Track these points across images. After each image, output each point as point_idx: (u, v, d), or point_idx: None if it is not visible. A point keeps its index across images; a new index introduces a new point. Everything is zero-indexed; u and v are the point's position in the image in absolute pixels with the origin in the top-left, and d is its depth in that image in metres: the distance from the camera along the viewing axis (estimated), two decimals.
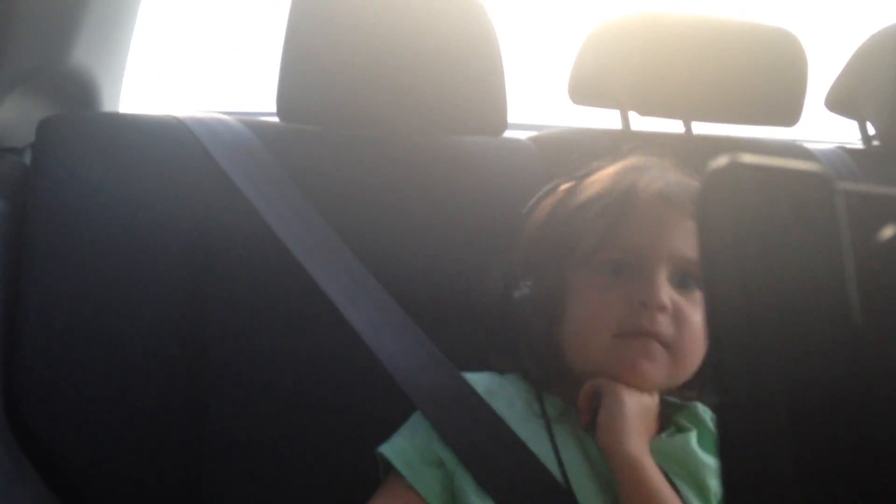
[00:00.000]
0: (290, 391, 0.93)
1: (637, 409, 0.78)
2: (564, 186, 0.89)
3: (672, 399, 0.85)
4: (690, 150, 1.23)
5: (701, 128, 1.34)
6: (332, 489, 0.91)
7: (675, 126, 1.34)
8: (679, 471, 0.79)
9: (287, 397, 0.93)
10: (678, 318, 0.79)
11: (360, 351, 0.86)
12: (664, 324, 0.78)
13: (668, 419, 0.85)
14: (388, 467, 0.80)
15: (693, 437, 0.82)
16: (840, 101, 1.55)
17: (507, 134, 1.13)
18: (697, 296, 0.81)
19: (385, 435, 0.82)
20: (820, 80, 1.47)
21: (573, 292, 0.83)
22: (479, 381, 0.84)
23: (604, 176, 0.87)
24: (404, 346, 0.87)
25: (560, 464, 0.77)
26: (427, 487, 0.78)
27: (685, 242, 0.81)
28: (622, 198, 0.83)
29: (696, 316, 0.80)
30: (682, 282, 0.81)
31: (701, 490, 0.78)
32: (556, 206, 0.88)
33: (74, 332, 0.89)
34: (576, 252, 0.83)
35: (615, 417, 0.76)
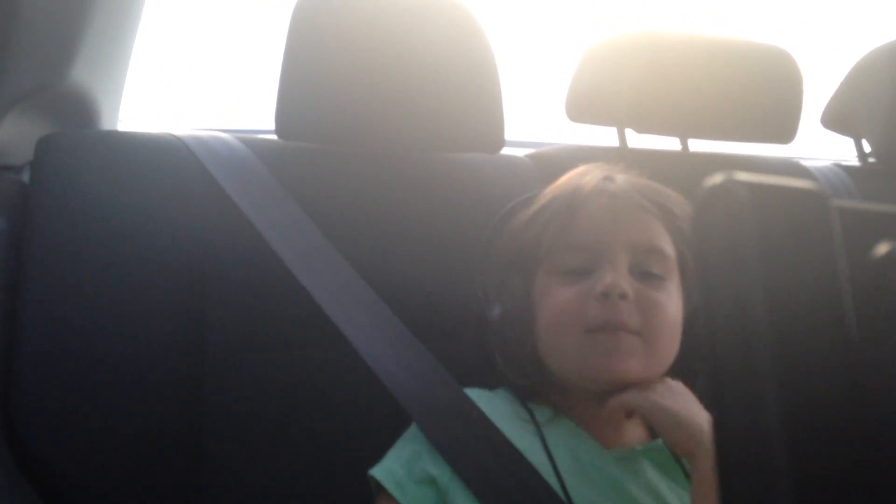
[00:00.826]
0: (288, 407, 0.93)
1: (681, 404, 0.76)
2: (517, 206, 0.91)
3: None
4: (687, 168, 1.24)
5: (698, 145, 1.35)
6: None
7: (671, 143, 1.35)
8: (679, 478, 0.79)
9: (285, 413, 0.93)
10: (644, 305, 0.79)
11: (359, 367, 0.86)
12: (628, 312, 0.78)
13: None
14: (380, 487, 0.80)
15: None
16: (836, 119, 1.56)
17: (505, 151, 1.13)
18: (665, 285, 0.81)
19: (383, 450, 0.82)
20: (816, 97, 1.48)
21: (538, 298, 0.83)
22: (475, 395, 0.84)
23: (550, 188, 0.89)
24: (404, 361, 0.87)
25: (555, 470, 0.77)
26: None
27: (638, 232, 0.82)
28: (568, 200, 0.85)
29: (665, 304, 0.80)
30: (644, 274, 0.81)
31: None
32: (512, 224, 0.90)
33: (72, 349, 0.89)
34: (534, 261, 0.85)
35: (677, 430, 0.75)
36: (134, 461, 0.89)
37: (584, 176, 0.87)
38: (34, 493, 0.86)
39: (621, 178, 0.87)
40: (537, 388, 0.84)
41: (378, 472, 0.80)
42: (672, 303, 0.81)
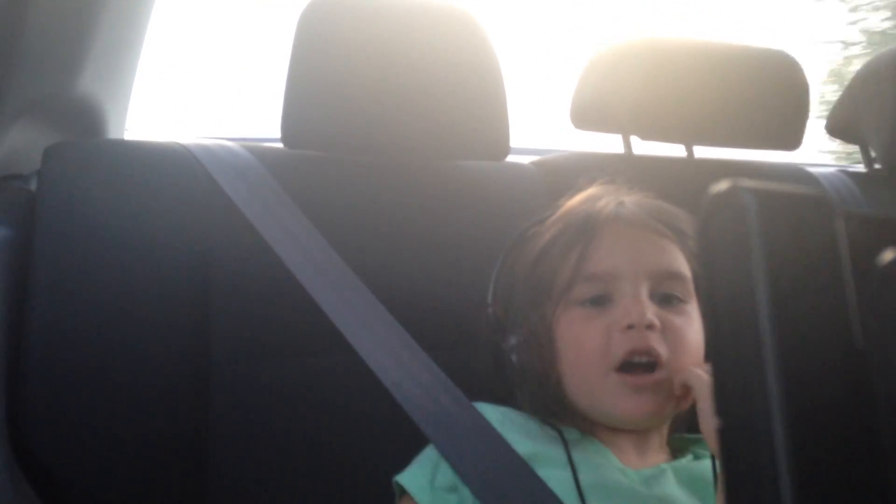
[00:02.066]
0: (293, 414, 0.93)
1: None
2: (528, 231, 0.90)
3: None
4: (692, 175, 1.23)
5: (703, 152, 1.34)
6: None
7: (677, 150, 1.35)
8: (706, 494, 0.79)
9: (290, 421, 0.93)
10: (670, 335, 0.79)
11: (365, 375, 0.86)
12: (655, 340, 0.78)
13: (685, 448, 0.85)
14: (403, 492, 0.80)
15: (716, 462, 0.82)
16: (841, 126, 1.56)
17: (510, 158, 1.13)
18: (686, 309, 0.81)
19: (389, 457, 0.82)
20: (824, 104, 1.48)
21: (560, 333, 0.83)
22: (494, 410, 0.84)
23: (559, 214, 0.88)
24: (410, 371, 0.87)
25: (578, 487, 0.76)
26: None
27: (656, 257, 0.82)
28: (581, 230, 0.84)
29: (687, 330, 0.80)
30: (664, 298, 0.81)
31: None
32: (522, 254, 0.89)
33: (78, 356, 0.89)
34: (552, 294, 0.84)
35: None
36: (138, 468, 0.89)
37: (595, 201, 0.86)
38: (39, 501, 0.86)
39: (631, 202, 0.86)
40: (559, 418, 0.84)
41: (402, 477, 0.80)
42: (694, 328, 0.81)
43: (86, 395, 0.89)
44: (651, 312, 0.78)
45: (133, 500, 0.88)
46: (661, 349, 0.78)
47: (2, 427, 0.87)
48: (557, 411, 0.83)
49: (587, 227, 0.83)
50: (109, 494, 0.88)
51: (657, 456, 0.84)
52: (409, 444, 0.84)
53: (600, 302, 0.81)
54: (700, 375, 0.76)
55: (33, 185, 1.02)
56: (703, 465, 0.82)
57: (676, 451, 0.85)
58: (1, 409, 0.87)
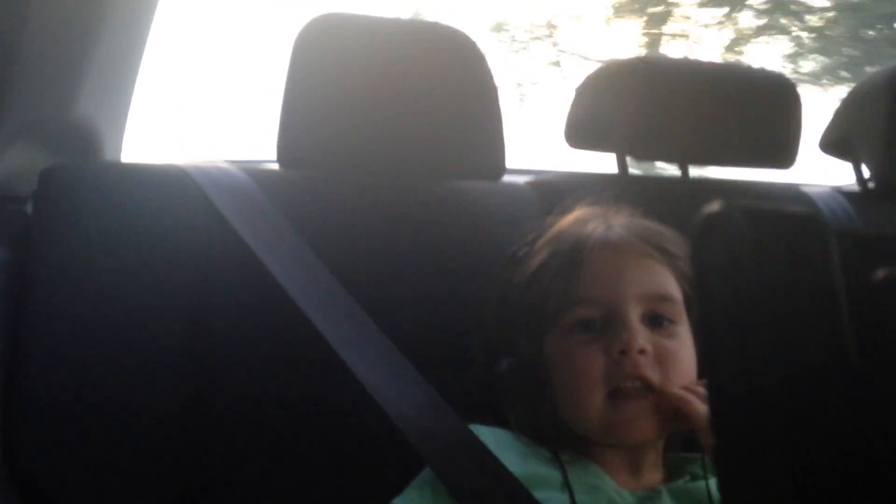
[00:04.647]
0: (289, 435, 0.93)
1: None
2: (518, 253, 0.90)
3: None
4: (687, 194, 1.24)
5: (698, 171, 1.35)
6: None
7: (671, 170, 1.36)
8: None
9: (286, 441, 0.92)
10: (661, 358, 0.79)
11: (360, 396, 0.86)
12: (647, 366, 0.78)
13: (682, 469, 0.85)
14: None
15: (713, 483, 0.81)
16: (834, 144, 1.56)
17: (506, 178, 1.14)
18: (677, 331, 0.82)
19: (384, 480, 0.82)
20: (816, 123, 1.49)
21: (552, 359, 0.83)
22: (489, 432, 0.84)
23: (548, 238, 0.88)
24: (405, 392, 0.87)
25: None
26: None
27: (646, 281, 0.82)
28: (571, 256, 0.84)
29: (679, 353, 0.80)
30: (654, 320, 0.81)
31: None
32: (512, 278, 0.89)
33: (76, 381, 0.89)
34: (542, 319, 0.84)
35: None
36: (135, 491, 0.88)
37: (584, 225, 0.86)
38: None
39: (620, 225, 0.86)
40: (552, 439, 0.84)
41: (399, 501, 0.80)
42: (686, 350, 0.82)
43: (83, 416, 0.88)
44: (643, 338, 0.79)
45: None
46: (654, 374, 0.78)
47: None
48: (550, 433, 0.83)
49: (576, 253, 0.84)
50: None
51: (653, 476, 0.83)
52: (404, 467, 0.83)
53: (591, 327, 0.81)
54: (684, 396, 0.77)
55: (29, 208, 1.02)
56: (700, 486, 0.81)
57: (673, 471, 0.85)
58: None
